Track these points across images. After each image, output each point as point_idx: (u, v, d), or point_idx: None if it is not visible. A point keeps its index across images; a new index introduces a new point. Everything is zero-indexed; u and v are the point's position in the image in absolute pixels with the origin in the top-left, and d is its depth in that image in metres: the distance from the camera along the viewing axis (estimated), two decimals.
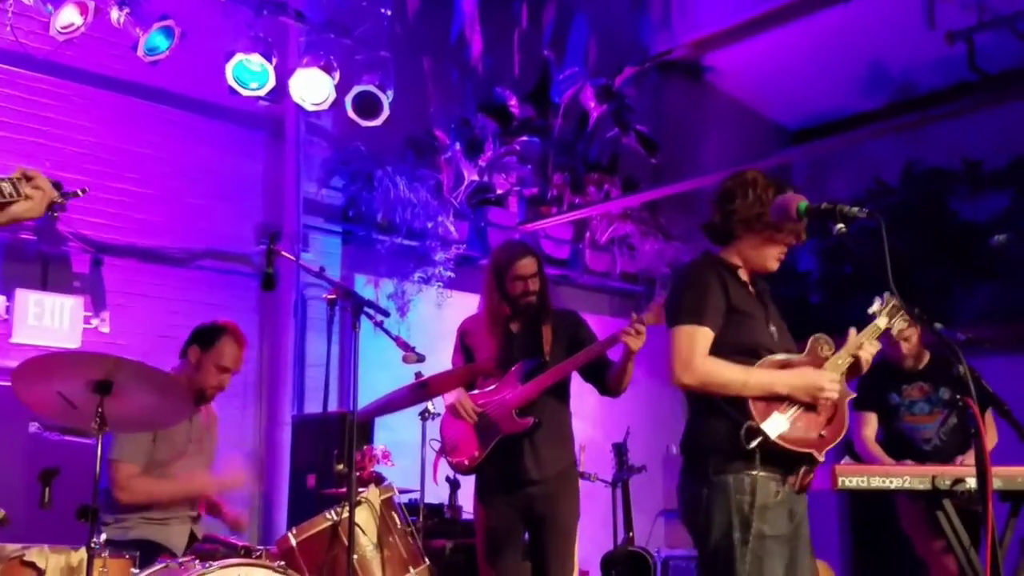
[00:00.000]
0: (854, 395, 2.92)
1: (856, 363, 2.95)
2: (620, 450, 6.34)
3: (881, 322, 3.03)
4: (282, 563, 3.08)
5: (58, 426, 4.56)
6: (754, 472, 2.69)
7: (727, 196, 2.92)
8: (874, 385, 4.87)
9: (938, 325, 4.79)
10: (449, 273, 7.11)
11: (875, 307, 3.08)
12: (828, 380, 2.79)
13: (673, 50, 8.65)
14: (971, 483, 4.19)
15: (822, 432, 2.80)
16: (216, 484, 3.82)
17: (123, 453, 3.62)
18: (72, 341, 5.51)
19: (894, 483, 4.25)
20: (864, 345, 2.96)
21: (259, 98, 5.74)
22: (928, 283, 7.20)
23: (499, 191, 7.66)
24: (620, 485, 6.31)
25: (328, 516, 3.27)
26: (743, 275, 2.95)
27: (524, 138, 7.76)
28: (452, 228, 7.21)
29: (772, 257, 2.93)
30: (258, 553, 3.12)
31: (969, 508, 4.25)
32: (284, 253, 3.65)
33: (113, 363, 2.88)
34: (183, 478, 3.74)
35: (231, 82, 5.53)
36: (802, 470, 2.78)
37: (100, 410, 2.90)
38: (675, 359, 2.79)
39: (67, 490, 3.20)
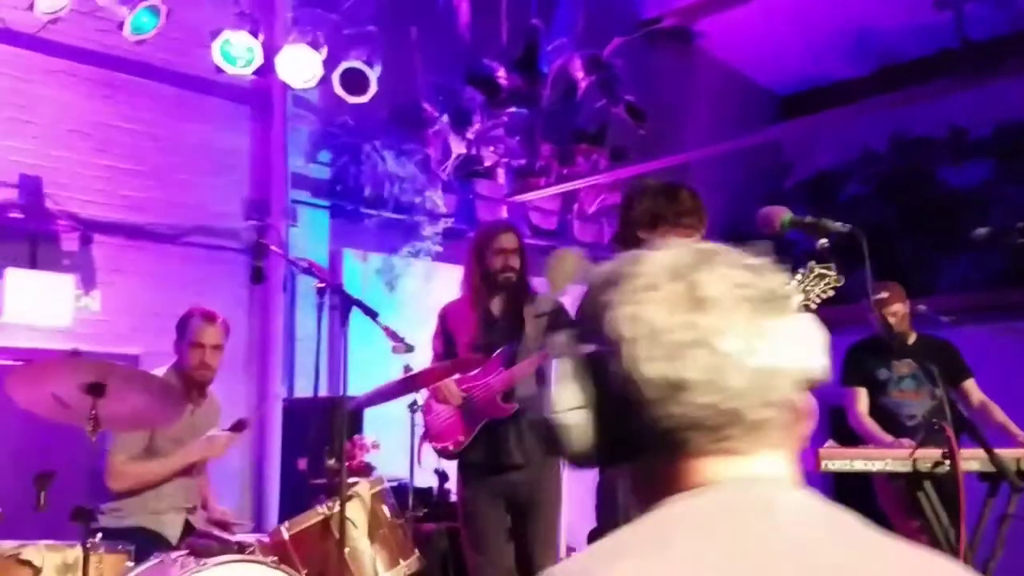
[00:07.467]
0: None
1: None
2: None
3: None
4: (275, 558, 3.15)
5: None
6: None
7: (627, 203, 2.99)
8: (864, 360, 4.93)
9: (922, 307, 4.90)
10: (437, 247, 7.12)
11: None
12: None
13: (663, 17, 8.59)
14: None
15: None
16: (197, 451, 3.86)
17: (117, 445, 3.68)
18: (63, 320, 5.52)
19: (876, 466, 4.36)
20: None
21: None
22: (911, 253, 7.24)
23: (487, 163, 7.64)
24: None
25: (320, 510, 3.33)
26: None
27: (512, 109, 7.72)
28: (440, 202, 7.21)
29: None
30: (251, 549, 3.18)
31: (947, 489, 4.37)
32: (273, 247, 3.69)
33: (107, 368, 2.92)
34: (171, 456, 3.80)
35: (218, 61, 5.49)
36: None
37: (94, 411, 2.94)
38: None
39: (61, 483, 3.25)
